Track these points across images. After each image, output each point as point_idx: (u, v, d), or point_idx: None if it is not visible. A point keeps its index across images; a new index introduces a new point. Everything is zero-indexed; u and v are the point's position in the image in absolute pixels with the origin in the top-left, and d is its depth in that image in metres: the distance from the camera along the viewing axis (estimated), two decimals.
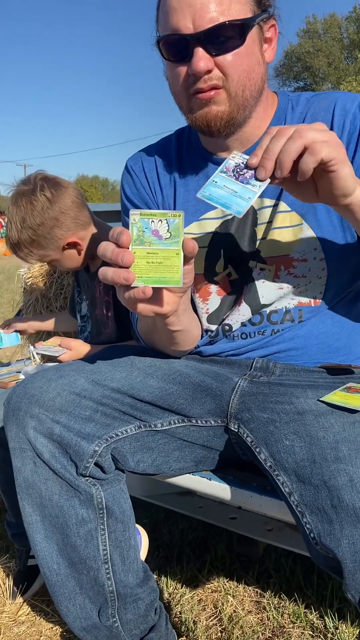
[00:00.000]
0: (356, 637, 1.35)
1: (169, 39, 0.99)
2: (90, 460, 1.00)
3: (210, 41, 0.96)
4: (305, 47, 33.72)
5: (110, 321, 1.68)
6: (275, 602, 1.57)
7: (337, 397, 0.98)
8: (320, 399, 0.98)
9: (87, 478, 1.02)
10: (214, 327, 1.19)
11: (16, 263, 12.92)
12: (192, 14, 0.95)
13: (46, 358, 2.18)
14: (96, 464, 1.01)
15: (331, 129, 1.07)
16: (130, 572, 1.09)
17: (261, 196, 1.11)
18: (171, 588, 1.66)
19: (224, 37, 0.97)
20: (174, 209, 1.18)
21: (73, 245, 1.61)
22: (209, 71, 0.98)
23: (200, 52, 0.97)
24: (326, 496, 0.85)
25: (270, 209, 1.11)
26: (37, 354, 1.69)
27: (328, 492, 0.85)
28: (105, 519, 1.04)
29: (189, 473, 1.17)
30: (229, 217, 1.14)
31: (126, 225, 1.21)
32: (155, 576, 1.70)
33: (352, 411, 0.94)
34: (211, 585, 1.67)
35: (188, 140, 1.21)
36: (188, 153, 1.19)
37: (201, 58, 0.97)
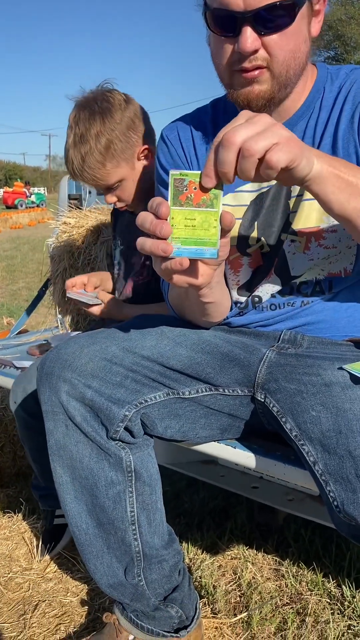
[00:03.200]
0: None
1: (216, 12, 0.96)
2: (120, 425, 1.03)
3: (259, 21, 0.93)
4: (337, 14, 32.62)
5: (145, 270, 1.68)
6: (294, 570, 1.61)
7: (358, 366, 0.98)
8: (345, 366, 0.99)
9: (116, 442, 1.05)
10: (243, 299, 1.20)
11: (41, 234, 12.98)
12: None
13: (73, 327, 2.21)
14: (126, 429, 1.04)
15: (353, 109, 1.07)
16: (156, 534, 1.13)
17: None
18: (192, 554, 1.70)
19: (274, 17, 0.94)
20: None
21: (146, 155, 1.53)
22: (255, 51, 0.96)
23: (248, 31, 0.94)
24: (351, 466, 0.87)
25: None
26: (71, 297, 1.64)
27: (353, 462, 0.86)
28: (133, 482, 1.07)
29: (215, 441, 1.19)
30: (265, 189, 1.14)
31: (160, 195, 1.22)
32: None
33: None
34: (231, 552, 1.71)
35: (224, 110, 1.20)
36: (225, 120, 1.17)
37: (249, 38, 0.94)
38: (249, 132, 0.79)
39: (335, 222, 1.10)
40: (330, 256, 1.12)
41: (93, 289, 1.67)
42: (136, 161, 1.53)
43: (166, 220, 0.81)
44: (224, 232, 0.83)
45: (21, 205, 31.08)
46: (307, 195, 1.10)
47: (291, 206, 1.13)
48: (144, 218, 0.82)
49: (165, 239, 0.81)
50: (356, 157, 1.07)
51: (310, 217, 1.11)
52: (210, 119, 1.20)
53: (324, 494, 0.91)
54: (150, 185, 1.48)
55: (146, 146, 1.52)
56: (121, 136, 1.47)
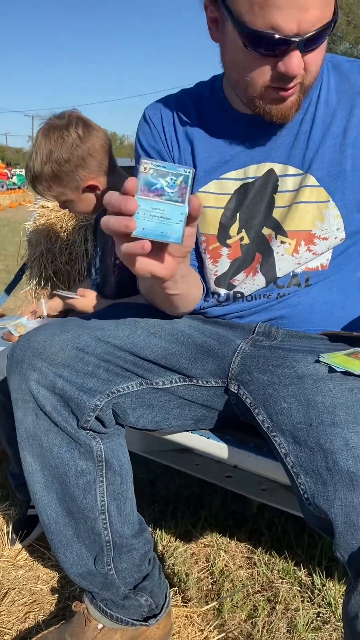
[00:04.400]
0: (344, 594, 1.40)
1: (262, 34, 0.89)
2: (91, 414, 1.02)
3: (307, 43, 0.90)
4: None
5: (116, 269, 1.69)
6: (266, 558, 1.62)
7: (337, 359, 0.98)
8: (321, 358, 0.98)
9: (87, 431, 1.04)
10: (222, 292, 1.18)
11: (22, 216, 12.84)
12: (298, 16, 0.87)
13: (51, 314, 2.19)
14: (97, 418, 1.03)
15: None
16: (126, 523, 1.12)
17: (286, 163, 1.09)
18: (165, 541, 1.70)
19: (319, 37, 0.91)
20: (193, 164, 1.15)
21: (92, 188, 1.59)
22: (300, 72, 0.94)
23: (297, 55, 0.90)
24: (321, 459, 0.87)
25: (295, 178, 1.09)
26: (56, 294, 1.70)
27: (323, 454, 0.86)
28: (104, 472, 1.07)
29: (188, 431, 1.19)
30: (250, 179, 1.12)
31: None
32: (150, 529, 1.75)
33: (349, 374, 0.95)
34: (204, 540, 1.72)
35: (210, 94, 1.17)
36: (210, 108, 1.16)
37: (298, 62, 0.91)
38: None
39: (329, 230, 1.08)
40: (315, 259, 1.12)
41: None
42: (81, 193, 1.60)
43: (132, 196, 0.78)
44: (191, 218, 0.80)
45: (2, 187, 30.66)
46: (303, 197, 1.08)
47: (278, 202, 1.11)
48: (110, 195, 0.79)
49: (129, 215, 0.78)
50: None
51: (303, 220, 1.09)
52: (196, 103, 1.18)
53: (295, 486, 0.91)
54: (93, 211, 1.65)
55: (92, 183, 1.57)
56: (68, 171, 1.54)
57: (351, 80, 1.08)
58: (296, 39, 0.88)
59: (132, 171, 1.26)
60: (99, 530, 1.09)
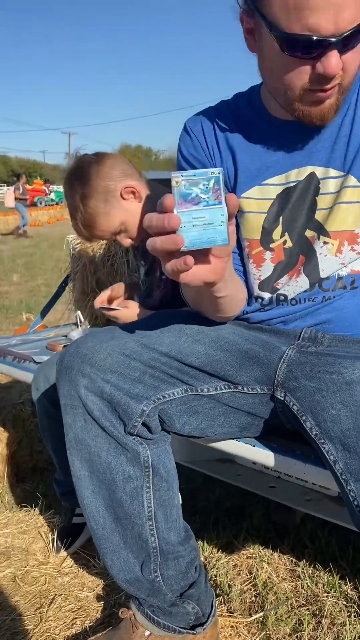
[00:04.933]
0: None
1: (298, 37, 0.89)
2: (138, 420, 1.03)
3: (345, 43, 0.90)
4: None
5: (162, 284, 1.70)
6: (310, 571, 1.60)
7: None
8: None
9: (134, 437, 1.05)
10: (266, 295, 1.19)
11: (60, 231, 13.08)
12: (334, 16, 0.86)
13: (91, 324, 2.22)
14: (144, 424, 1.04)
15: None
16: (172, 530, 1.13)
17: (327, 165, 1.09)
18: (207, 552, 1.69)
19: (355, 37, 0.91)
20: (235, 172, 1.17)
21: (131, 191, 1.59)
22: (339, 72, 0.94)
23: (335, 55, 0.90)
24: None
25: (336, 180, 1.09)
26: (101, 308, 1.70)
27: None
28: (150, 477, 1.07)
29: (233, 439, 1.19)
30: (292, 184, 1.12)
31: None
32: None
33: None
34: (246, 551, 1.70)
35: (249, 103, 1.18)
36: (249, 116, 1.17)
37: (337, 62, 0.91)
38: None
39: None
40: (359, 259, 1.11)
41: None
42: (124, 202, 1.60)
43: (172, 212, 0.79)
44: (230, 216, 0.81)
45: (40, 203, 31.29)
46: (345, 197, 1.08)
47: (320, 204, 1.11)
48: (150, 217, 0.79)
49: (174, 231, 0.78)
50: None
51: (346, 220, 1.09)
52: (234, 113, 1.19)
53: (344, 493, 0.90)
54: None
55: (126, 185, 1.58)
56: (100, 189, 1.56)
57: None
58: (333, 39, 0.88)
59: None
60: (146, 537, 1.09)
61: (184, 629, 1.16)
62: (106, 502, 1.08)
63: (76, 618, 1.43)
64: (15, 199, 16.21)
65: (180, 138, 1.23)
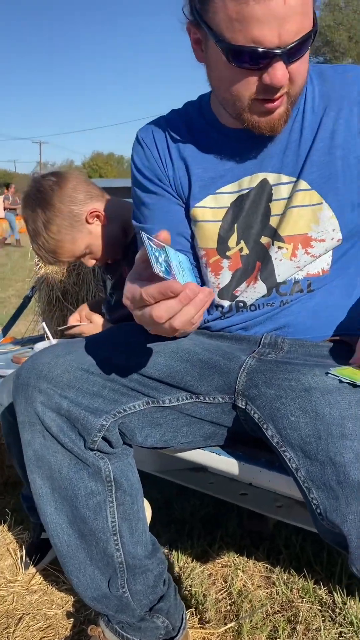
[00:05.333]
0: None
1: (245, 49, 0.90)
2: (98, 435, 1.01)
3: (290, 54, 0.91)
4: (326, 20, 32.95)
5: None
6: (285, 577, 1.59)
7: (345, 372, 0.97)
8: (331, 371, 0.98)
9: (95, 452, 1.04)
10: (226, 303, 1.18)
11: None
12: (278, 28, 0.87)
13: (59, 334, 2.20)
14: (104, 439, 1.03)
15: None
16: (138, 543, 1.11)
17: (279, 172, 1.10)
18: (182, 562, 1.68)
19: (301, 48, 0.92)
20: (188, 182, 1.17)
21: (97, 216, 1.59)
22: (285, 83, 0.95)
23: (281, 66, 0.91)
24: (332, 472, 0.85)
25: (288, 185, 1.10)
26: (66, 328, 1.69)
27: (334, 468, 0.85)
28: (113, 492, 1.06)
29: (198, 448, 1.18)
30: (245, 191, 1.13)
31: (137, 198, 1.21)
32: (166, 551, 1.73)
33: (356, 386, 0.94)
34: (221, 560, 1.69)
35: (200, 112, 1.18)
36: (201, 125, 1.17)
37: (283, 73, 0.91)
38: None
39: (325, 232, 1.09)
40: (314, 262, 1.12)
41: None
42: (89, 226, 1.59)
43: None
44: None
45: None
46: (296, 201, 1.09)
47: (275, 210, 1.11)
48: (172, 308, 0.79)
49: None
50: (357, 168, 1.07)
51: (298, 224, 1.10)
52: (186, 121, 1.19)
53: (307, 501, 0.90)
54: (112, 238, 1.61)
55: (92, 209, 1.57)
56: (64, 215, 1.54)
57: (335, 85, 1.09)
58: (278, 51, 0.89)
59: (130, 192, 1.27)
60: (112, 552, 1.08)
61: None
62: (69, 519, 1.06)
63: (44, 637, 1.40)
64: (5, 208, 16.22)
65: (133, 148, 1.23)
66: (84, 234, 1.58)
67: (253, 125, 1.02)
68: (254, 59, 0.91)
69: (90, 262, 1.67)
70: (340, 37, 31.90)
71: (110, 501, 1.06)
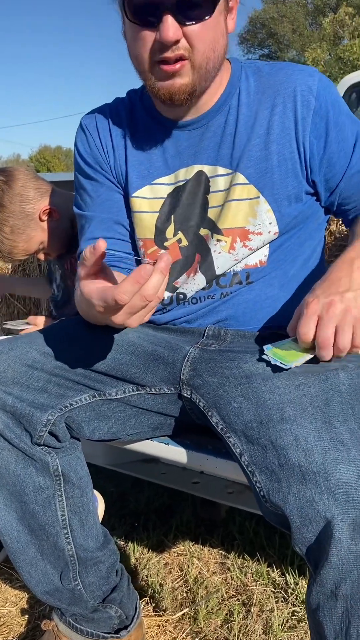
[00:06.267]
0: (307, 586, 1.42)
1: (136, 1, 0.94)
2: (44, 430, 1.01)
3: (181, 10, 0.93)
4: (270, 12, 33.26)
5: None
6: (239, 562, 1.63)
7: (281, 352, 0.98)
8: (265, 351, 1.00)
9: (42, 447, 1.03)
10: (166, 295, 1.19)
11: None
12: None
13: (6, 332, 2.18)
14: (50, 433, 1.03)
15: (294, 108, 1.08)
16: (89, 536, 1.12)
17: (215, 164, 1.11)
18: (138, 553, 1.70)
19: (195, 7, 0.94)
20: (126, 170, 1.18)
21: (49, 213, 1.60)
22: (177, 41, 0.95)
23: (170, 20, 0.93)
24: (273, 455, 0.88)
25: (225, 177, 1.11)
26: (7, 327, 1.68)
27: (275, 451, 0.87)
28: (62, 486, 1.06)
29: (147, 439, 1.19)
30: (181, 183, 1.14)
31: (78, 185, 1.22)
32: (122, 543, 1.75)
33: (281, 369, 0.96)
34: (177, 549, 1.72)
35: (141, 101, 1.19)
36: (140, 115, 1.18)
37: (171, 26, 0.93)
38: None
39: (262, 225, 1.10)
40: (252, 255, 1.14)
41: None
42: (42, 223, 1.60)
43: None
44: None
45: None
46: (234, 195, 1.10)
47: (212, 202, 1.13)
48: (126, 294, 0.78)
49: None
50: (292, 164, 1.09)
51: (236, 217, 1.11)
52: (128, 110, 1.20)
53: (252, 484, 0.92)
54: (63, 231, 1.63)
55: (44, 207, 1.59)
56: (17, 214, 1.55)
57: (271, 82, 1.11)
58: (165, 2, 0.92)
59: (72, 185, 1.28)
60: (62, 546, 1.08)
61: (108, 633, 1.16)
62: (19, 515, 1.05)
63: None
64: None
65: (77, 134, 1.24)
66: (38, 231, 1.60)
67: (154, 91, 1.04)
68: (144, 12, 0.95)
69: (43, 256, 1.69)
70: (284, 29, 32.29)
71: (59, 495, 1.06)
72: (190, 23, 0.95)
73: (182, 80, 1.00)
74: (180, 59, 0.97)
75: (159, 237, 1.17)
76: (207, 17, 0.96)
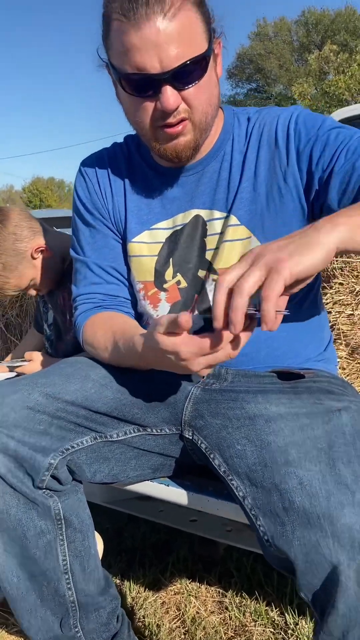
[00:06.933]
0: (313, 632, 1.40)
1: (132, 77, 0.97)
2: (46, 474, 1.01)
3: (177, 78, 0.97)
4: (257, 49, 34.17)
5: (72, 326, 1.70)
6: (237, 601, 1.61)
7: None
8: None
9: (44, 490, 1.02)
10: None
11: None
12: (158, 54, 0.93)
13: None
14: (52, 476, 1.02)
15: (275, 139, 1.11)
16: (90, 580, 1.10)
17: (211, 208, 1.14)
18: (134, 592, 1.67)
19: (189, 72, 0.97)
20: (125, 216, 1.20)
21: (41, 251, 1.64)
22: (177, 106, 0.99)
23: (169, 90, 0.97)
24: (278, 499, 0.87)
25: (221, 221, 1.14)
26: (4, 365, 1.69)
27: (279, 495, 0.87)
28: (63, 530, 1.05)
29: (147, 480, 1.18)
30: (179, 227, 1.17)
31: (77, 229, 1.25)
32: (118, 581, 1.72)
33: None
34: (174, 587, 1.69)
35: (137, 148, 1.22)
36: (137, 161, 1.21)
37: (170, 96, 0.97)
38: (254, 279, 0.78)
39: None
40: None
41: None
42: (34, 261, 1.65)
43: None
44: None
45: None
46: (228, 236, 1.12)
47: (210, 245, 1.15)
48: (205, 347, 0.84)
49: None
50: (280, 199, 1.11)
51: (231, 257, 1.13)
52: (126, 156, 1.23)
53: (255, 528, 0.92)
54: (54, 268, 1.67)
55: (36, 245, 1.63)
56: (10, 252, 1.60)
57: (257, 126, 1.14)
58: (163, 76, 0.95)
59: (65, 222, 1.31)
60: (63, 591, 1.06)
61: None
62: (19, 560, 1.04)
63: None
64: None
65: (76, 179, 1.27)
66: (30, 269, 1.64)
67: (160, 152, 1.07)
68: (142, 86, 0.98)
69: (33, 292, 1.73)
70: (271, 65, 33.11)
71: (61, 539, 1.05)
72: (187, 87, 0.99)
73: (186, 138, 1.04)
74: (182, 120, 1.01)
75: (159, 279, 1.18)
76: (201, 78, 0.99)
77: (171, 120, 1.00)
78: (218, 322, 0.80)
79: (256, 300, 0.79)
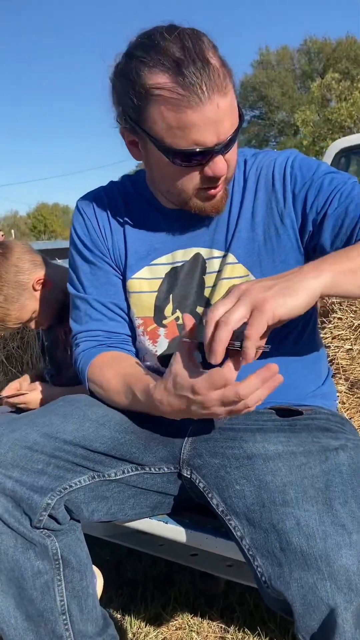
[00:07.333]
0: None
1: (188, 152, 0.98)
2: (43, 514, 1.01)
3: (227, 147, 1.00)
4: (260, 77, 34.76)
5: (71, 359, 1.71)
6: (239, 636, 1.58)
7: None
8: None
9: (41, 530, 1.02)
10: (165, 370, 1.20)
11: None
12: (216, 130, 0.96)
13: (1, 401, 2.17)
14: (50, 516, 1.02)
15: (272, 181, 1.13)
16: (89, 620, 1.09)
17: (211, 247, 1.16)
18: (135, 627, 1.65)
19: (234, 139, 1.01)
20: (125, 253, 1.22)
21: (42, 283, 1.65)
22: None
23: (221, 159, 0.99)
24: (275, 539, 0.87)
25: (219, 259, 1.15)
26: (4, 399, 1.69)
27: (277, 535, 0.87)
28: (61, 570, 1.04)
29: (145, 518, 1.18)
30: (179, 263, 1.18)
31: (75, 266, 1.26)
32: (119, 615, 1.70)
33: None
34: (175, 622, 1.67)
35: (136, 190, 1.24)
36: (135, 200, 1.23)
37: (223, 164, 1.00)
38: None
39: None
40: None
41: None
42: (35, 293, 1.66)
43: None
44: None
45: None
46: (227, 274, 1.14)
47: (208, 282, 1.16)
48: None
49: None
50: (277, 239, 1.13)
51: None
52: (124, 195, 1.25)
53: (253, 569, 0.92)
54: (55, 301, 1.67)
55: (38, 277, 1.65)
56: (11, 284, 1.61)
57: (255, 168, 1.17)
58: (217, 148, 0.97)
59: (67, 253, 1.32)
60: (60, 632, 1.05)
61: None
62: (16, 601, 1.03)
63: None
64: None
65: (74, 217, 1.28)
66: (31, 301, 1.65)
67: (200, 209, 1.09)
68: (197, 159, 0.99)
69: (33, 325, 1.74)
70: (273, 93, 33.62)
71: (59, 579, 1.04)
72: (229, 150, 1.01)
73: (221, 194, 1.07)
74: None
75: (158, 315, 1.19)
76: (237, 139, 1.02)
77: (218, 184, 1.04)
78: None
79: (239, 334, 0.85)
